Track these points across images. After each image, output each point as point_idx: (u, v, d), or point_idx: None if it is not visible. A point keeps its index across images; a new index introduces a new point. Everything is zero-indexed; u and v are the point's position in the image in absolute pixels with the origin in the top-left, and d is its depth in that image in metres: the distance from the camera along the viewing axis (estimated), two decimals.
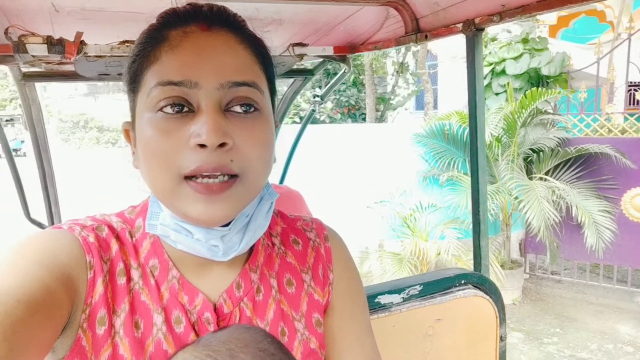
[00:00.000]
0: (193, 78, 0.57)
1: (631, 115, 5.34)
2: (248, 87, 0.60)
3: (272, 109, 0.66)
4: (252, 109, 0.60)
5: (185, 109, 0.58)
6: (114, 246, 0.65)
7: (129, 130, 0.66)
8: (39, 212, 1.93)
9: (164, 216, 0.63)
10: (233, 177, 0.58)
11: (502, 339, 1.30)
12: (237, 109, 0.59)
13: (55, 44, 1.23)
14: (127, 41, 1.39)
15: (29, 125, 1.74)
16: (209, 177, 0.57)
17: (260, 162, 0.61)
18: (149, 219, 0.64)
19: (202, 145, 0.55)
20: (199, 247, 0.62)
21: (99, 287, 0.61)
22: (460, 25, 1.28)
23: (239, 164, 0.58)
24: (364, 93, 11.32)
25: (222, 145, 0.56)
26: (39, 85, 1.73)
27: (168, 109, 0.58)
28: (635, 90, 5.78)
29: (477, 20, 1.23)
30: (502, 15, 1.17)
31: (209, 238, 0.61)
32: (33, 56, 1.23)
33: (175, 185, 0.58)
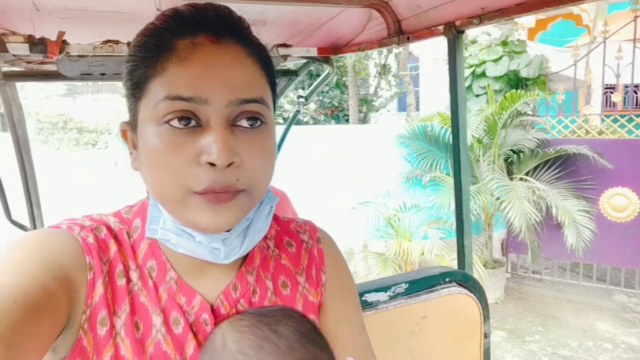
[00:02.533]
0: (203, 94, 0.57)
1: (607, 116, 5.46)
2: (256, 103, 0.60)
3: (274, 117, 0.67)
4: (259, 124, 0.61)
5: (194, 123, 0.58)
6: (113, 247, 0.65)
7: (127, 130, 0.65)
8: (21, 213, 1.90)
9: (164, 220, 0.64)
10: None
11: (486, 335, 1.32)
12: (244, 123, 0.60)
13: (37, 43, 1.21)
14: (109, 41, 1.38)
15: (9, 126, 1.71)
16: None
17: (264, 175, 0.62)
18: (149, 223, 0.65)
19: (212, 164, 0.56)
20: (201, 250, 0.63)
21: (99, 288, 0.61)
22: (441, 28, 1.30)
23: (244, 180, 0.59)
24: (347, 95, 11.36)
25: (230, 164, 0.57)
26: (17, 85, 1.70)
27: (176, 123, 0.57)
28: (611, 92, 5.92)
29: (457, 23, 1.26)
30: (482, 17, 1.20)
31: (211, 241, 0.62)
32: (14, 55, 1.22)
33: (183, 197, 0.58)
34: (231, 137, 0.58)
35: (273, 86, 0.67)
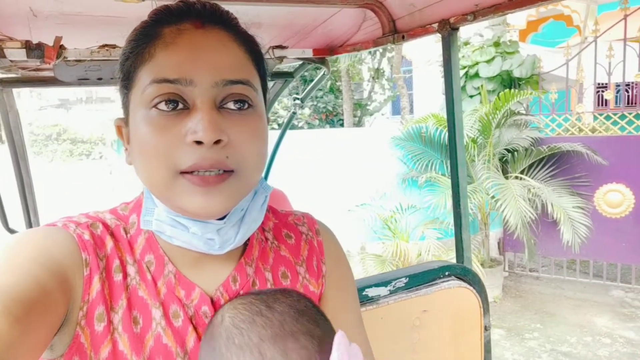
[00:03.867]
0: (188, 76, 0.58)
1: (600, 114, 5.50)
2: (242, 85, 0.61)
3: (264, 105, 0.68)
4: (246, 106, 0.61)
5: (180, 105, 0.58)
6: (109, 243, 0.65)
7: (122, 126, 0.66)
8: (18, 221, 1.89)
9: (158, 212, 0.64)
10: (229, 171, 0.59)
11: (486, 328, 1.33)
12: (231, 105, 0.60)
13: (34, 49, 1.22)
14: (106, 45, 1.38)
15: (6, 133, 1.71)
16: (205, 170, 0.58)
17: (255, 157, 0.62)
18: (143, 215, 0.65)
19: (199, 142, 0.56)
20: (196, 241, 0.62)
21: (96, 284, 0.61)
22: (435, 25, 1.32)
23: (234, 159, 0.59)
24: (341, 99, 11.39)
25: (218, 141, 0.57)
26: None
27: (163, 106, 0.58)
28: (603, 90, 5.98)
29: (452, 20, 1.27)
30: (476, 14, 1.21)
31: (205, 232, 0.62)
32: (11, 61, 1.22)
33: (171, 180, 0.58)
34: (218, 117, 0.58)
35: (261, 73, 0.67)
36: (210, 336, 0.61)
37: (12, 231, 1.89)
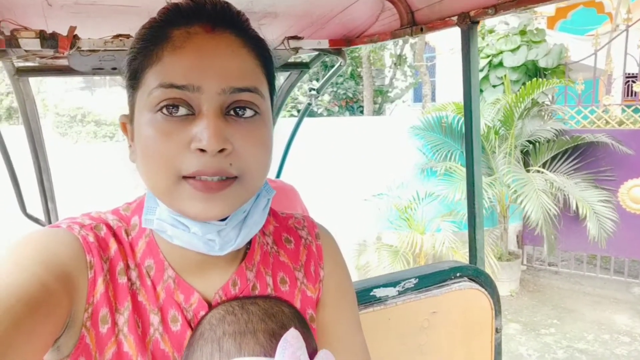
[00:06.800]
0: (196, 82, 0.57)
1: (628, 106, 5.33)
2: (250, 92, 0.60)
3: (271, 110, 0.67)
4: (253, 114, 0.61)
5: (186, 111, 0.58)
6: (113, 246, 0.65)
7: (127, 123, 0.66)
8: (36, 207, 1.93)
9: (160, 211, 0.64)
10: (231, 178, 0.59)
11: (497, 330, 1.31)
12: (238, 112, 0.60)
13: (48, 39, 1.22)
14: (120, 35, 1.38)
15: (23, 120, 1.73)
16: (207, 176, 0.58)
17: (259, 165, 0.62)
18: (145, 213, 0.65)
19: (203, 150, 0.56)
20: (196, 241, 0.62)
21: (100, 287, 0.61)
22: (455, 18, 1.28)
23: (238, 166, 0.59)
24: (362, 85, 11.27)
25: (222, 150, 0.57)
26: (35, 80, 1.72)
27: (168, 111, 0.58)
28: (633, 81, 5.77)
29: (472, 13, 1.23)
30: (497, 8, 1.17)
31: (206, 232, 0.61)
32: (26, 51, 1.23)
33: (173, 185, 0.58)
34: (224, 125, 0.58)
35: (270, 79, 0.66)
36: (191, 334, 0.65)
37: (30, 217, 1.93)
